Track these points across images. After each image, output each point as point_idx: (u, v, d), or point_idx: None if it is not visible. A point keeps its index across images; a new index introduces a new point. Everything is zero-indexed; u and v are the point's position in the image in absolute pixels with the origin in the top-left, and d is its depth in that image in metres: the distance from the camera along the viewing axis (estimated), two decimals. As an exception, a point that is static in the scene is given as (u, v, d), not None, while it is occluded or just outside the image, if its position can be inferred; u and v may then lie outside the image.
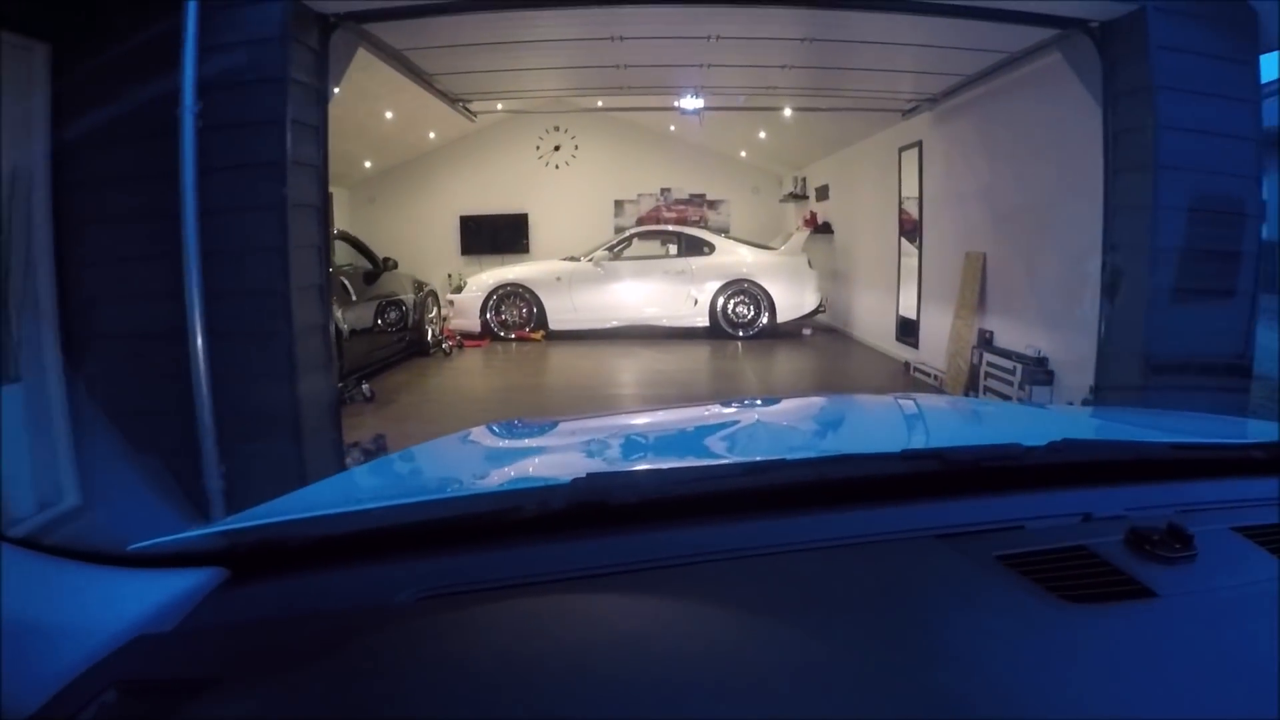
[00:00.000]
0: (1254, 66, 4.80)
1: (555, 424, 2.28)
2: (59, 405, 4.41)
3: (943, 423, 2.35)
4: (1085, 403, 5.40)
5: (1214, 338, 4.77)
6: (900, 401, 2.66)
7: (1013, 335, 6.91)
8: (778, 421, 2.33)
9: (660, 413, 2.83)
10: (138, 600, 0.93)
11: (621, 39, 6.22)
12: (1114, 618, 0.88)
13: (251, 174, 4.29)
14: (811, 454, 1.70)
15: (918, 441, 2.06)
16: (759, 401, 2.85)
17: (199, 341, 4.13)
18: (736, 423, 2.27)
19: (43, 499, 4.26)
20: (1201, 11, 4.65)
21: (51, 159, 4.35)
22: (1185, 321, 4.65)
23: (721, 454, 1.96)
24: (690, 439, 2.16)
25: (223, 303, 4.20)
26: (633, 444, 2.08)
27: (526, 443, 2.12)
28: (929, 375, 8.44)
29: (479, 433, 2.07)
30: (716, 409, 2.56)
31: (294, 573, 1.03)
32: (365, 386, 7.71)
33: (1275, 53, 4.93)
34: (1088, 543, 1.02)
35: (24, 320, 4.25)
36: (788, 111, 9.88)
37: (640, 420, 2.54)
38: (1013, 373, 6.48)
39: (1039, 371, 6.21)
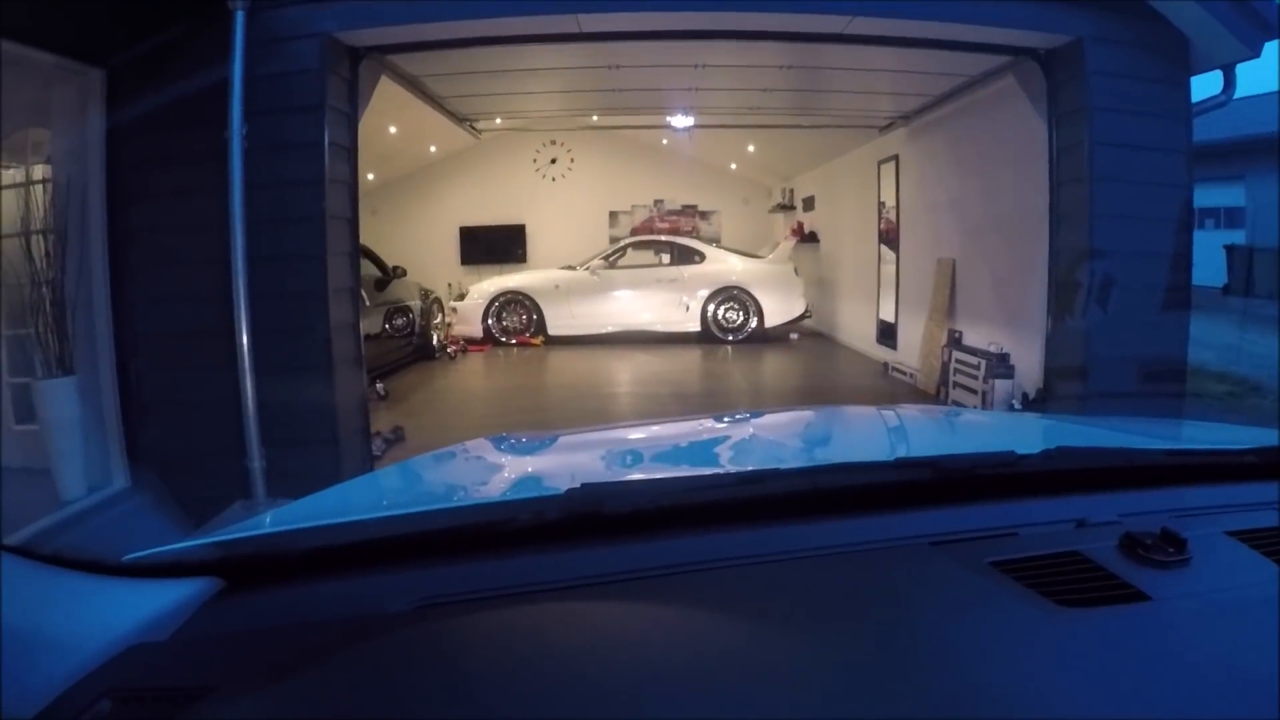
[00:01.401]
0: (1185, 87, 5.27)
1: (554, 438, 2.23)
2: (110, 396, 4.83)
3: (935, 433, 2.35)
4: (1039, 393, 5.87)
5: (1150, 335, 5.21)
6: (893, 412, 2.60)
7: (979, 334, 7.29)
8: (771, 433, 2.31)
9: (656, 426, 2.78)
10: (133, 610, 0.93)
11: (617, 66, 6.69)
12: (1108, 621, 0.88)
13: (294, 190, 4.75)
14: (805, 464, 1.66)
15: (911, 451, 2.04)
16: (752, 414, 2.78)
17: (244, 338, 4.58)
18: (730, 435, 2.25)
19: (92, 483, 4.66)
20: (1135, 39, 5.11)
21: (107, 174, 4.77)
22: (1122, 319, 5.09)
23: (715, 465, 1.94)
24: (685, 451, 2.15)
25: (266, 303, 4.65)
26: (628, 456, 2.08)
27: (522, 455, 2.10)
28: (905, 374, 8.86)
29: (475, 445, 2.06)
30: (710, 423, 2.53)
31: (289, 583, 1.04)
32: (379, 386, 8.14)
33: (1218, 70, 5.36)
34: (1081, 548, 1.02)
35: (78, 319, 4.63)
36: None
37: (636, 434, 2.49)
38: (978, 368, 6.92)
39: (1001, 366, 6.64)
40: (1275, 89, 16.18)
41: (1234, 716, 0.75)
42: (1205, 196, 14.94)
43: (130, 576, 1.00)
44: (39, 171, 4.93)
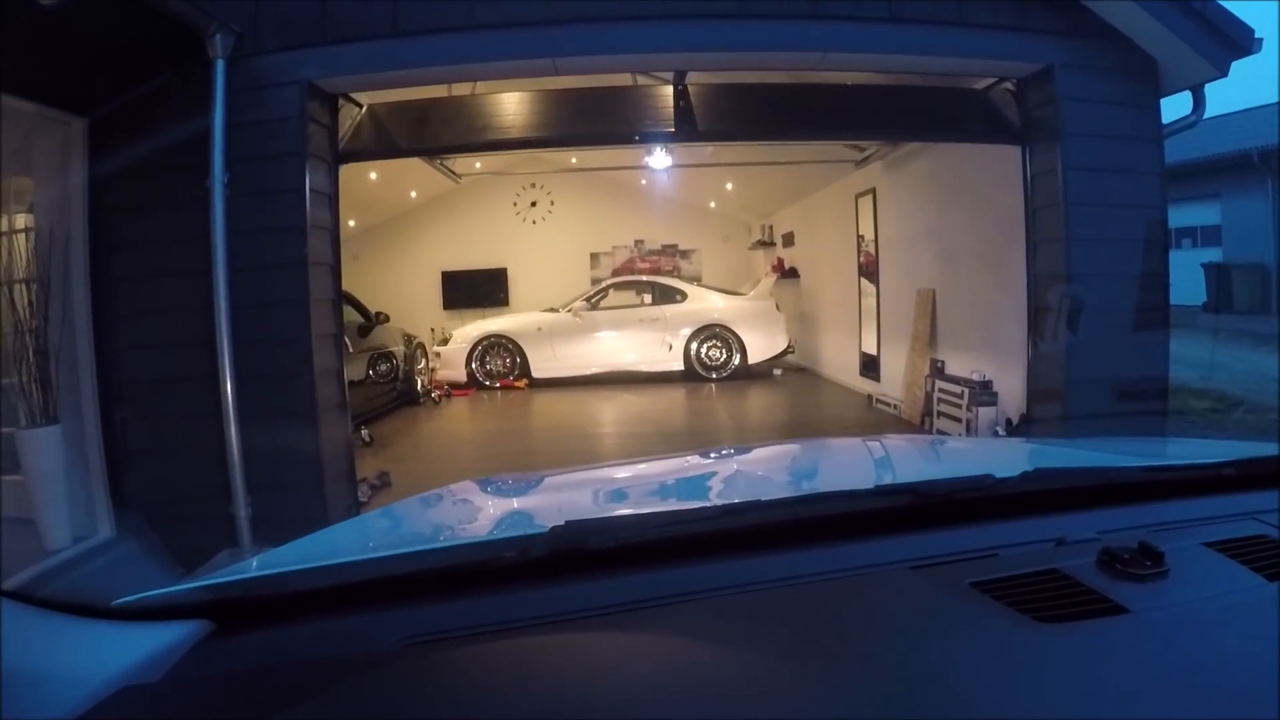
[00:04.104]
0: (1155, 109, 5.35)
1: (539, 479, 2.25)
2: (94, 445, 4.76)
3: (917, 460, 2.38)
4: (1022, 418, 5.90)
5: (1130, 355, 5.24)
6: (877, 442, 2.63)
7: (961, 363, 7.33)
8: (755, 467, 2.33)
9: (641, 464, 2.79)
10: (124, 652, 0.93)
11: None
12: (1087, 636, 0.89)
13: (276, 237, 4.76)
14: (788, 495, 1.67)
15: (893, 478, 2.06)
16: (736, 450, 2.87)
17: (228, 385, 4.57)
18: (715, 471, 2.28)
19: (77, 533, 4.57)
20: (1104, 64, 5.19)
21: (90, 222, 4.75)
22: (1102, 341, 5.13)
23: (700, 499, 1.96)
24: (669, 487, 2.17)
25: (250, 350, 4.64)
26: (613, 493, 2.09)
27: (508, 496, 2.12)
28: (889, 405, 8.89)
29: (461, 488, 2.07)
30: (695, 459, 2.54)
31: (279, 624, 1.04)
32: (364, 432, 8.09)
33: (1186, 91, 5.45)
34: (1060, 565, 1.03)
35: (61, 367, 4.56)
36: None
37: (621, 473, 2.51)
38: (961, 397, 6.95)
39: (984, 394, 6.67)
40: (1245, 108, 16.56)
41: None
42: (1181, 216, 15.15)
43: (121, 620, 1.00)
44: (21, 220, 4.91)
